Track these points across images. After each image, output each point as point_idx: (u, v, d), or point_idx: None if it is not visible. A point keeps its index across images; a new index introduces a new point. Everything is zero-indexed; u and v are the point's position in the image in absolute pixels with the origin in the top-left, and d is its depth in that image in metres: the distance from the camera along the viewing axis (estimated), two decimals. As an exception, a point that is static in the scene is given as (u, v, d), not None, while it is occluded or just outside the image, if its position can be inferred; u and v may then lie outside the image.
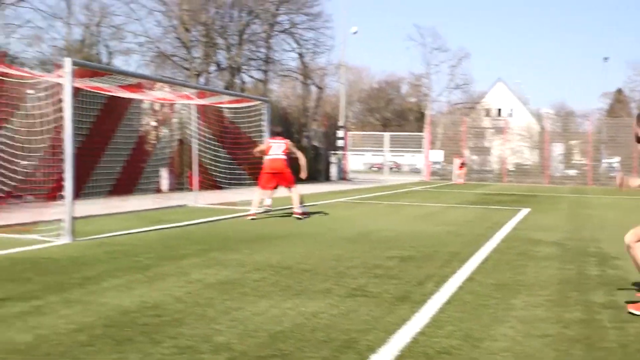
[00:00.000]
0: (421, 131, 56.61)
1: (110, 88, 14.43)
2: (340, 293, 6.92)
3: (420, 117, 77.05)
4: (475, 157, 48.85)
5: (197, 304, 6.27)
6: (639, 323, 5.97)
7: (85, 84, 13.46)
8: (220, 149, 20.37)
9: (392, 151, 52.29)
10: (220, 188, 20.63)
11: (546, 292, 7.22)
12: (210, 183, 20.56)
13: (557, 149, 46.38)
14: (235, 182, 19.77)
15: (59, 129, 12.49)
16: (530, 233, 13.02)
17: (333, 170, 42.59)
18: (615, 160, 43.71)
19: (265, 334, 5.34)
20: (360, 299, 6.68)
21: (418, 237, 11.99)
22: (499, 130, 50.23)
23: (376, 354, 4.89)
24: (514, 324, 5.85)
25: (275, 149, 15.17)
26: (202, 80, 34.61)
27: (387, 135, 50.69)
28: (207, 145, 19.89)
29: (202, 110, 21.62)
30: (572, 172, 45.64)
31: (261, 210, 15.91)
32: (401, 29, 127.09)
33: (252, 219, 14.68)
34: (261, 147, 15.78)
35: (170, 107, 24.36)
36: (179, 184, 22.86)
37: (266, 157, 15.45)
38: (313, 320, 5.81)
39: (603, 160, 44.60)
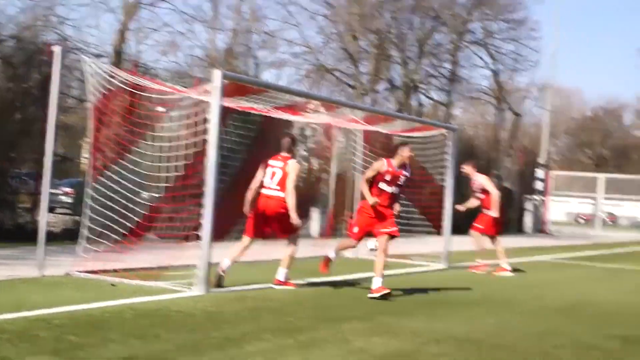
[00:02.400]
0: (648, 174, 54.68)
1: (262, 109, 14.82)
2: (546, 379, 6.73)
3: (648, 155, 74.52)
4: None
5: (363, 381, 6.26)
6: None
7: (237, 103, 13.88)
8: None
9: (607, 199, 50.78)
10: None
11: None
12: (375, 229, 20.61)
13: None
14: (408, 229, 19.70)
15: (198, 157, 12.94)
16: None
17: (528, 220, 41.89)
18: None
19: None
20: (573, 388, 6.47)
21: (647, 312, 11.52)
22: None
23: None
24: None
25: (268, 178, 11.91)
26: (368, 100, 35.07)
27: (601, 177, 49.43)
28: (373, 182, 19.99)
29: (368, 138, 21.83)
30: None
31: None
32: (629, 40, 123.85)
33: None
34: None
35: (327, 132, 24.76)
36: (335, 229, 23.09)
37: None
38: (512, 413, 5.66)
39: None
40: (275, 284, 11.86)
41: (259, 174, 11.83)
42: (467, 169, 16.75)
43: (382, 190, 11.95)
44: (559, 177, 53.19)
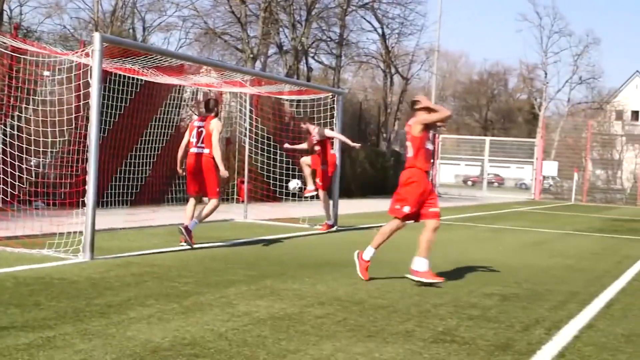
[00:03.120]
0: (532, 137, 56.06)
1: (145, 72, 14.65)
2: (424, 337, 6.89)
3: (532, 118, 76.46)
4: (600, 172, 48.08)
5: (245, 343, 6.31)
6: None
7: (117, 65, 13.68)
8: (278, 151, 20.50)
9: (493, 161, 51.87)
10: (276, 200, 20.76)
11: (692, 348, 7.05)
12: (264, 193, 20.69)
13: None
14: (296, 192, 19.83)
15: (80, 121, 12.73)
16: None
17: (418, 183, 42.41)
18: None
19: (329, 385, 5.34)
20: (449, 345, 6.64)
21: (525, 270, 11.85)
22: (634, 138, 49.32)
23: (469, 417, 4.85)
24: (648, 386, 5.74)
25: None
26: (258, 64, 34.92)
27: (487, 140, 50.38)
28: (262, 146, 20.02)
29: (257, 102, 21.82)
30: None
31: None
32: (512, 6, 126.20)
33: None
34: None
35: (217, 97, 24.65)
36: (225, 193, 23.08)
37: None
38: (389, 370, 5.78)
39: None
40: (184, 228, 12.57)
41: (186, 135, 13.06)
42: (307, 125, 16.94)
43: (428, 151, 9.91)
44: (447, 140, 54.04)
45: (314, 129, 16.77)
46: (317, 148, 16.79)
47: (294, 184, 17.17)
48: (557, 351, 6.63)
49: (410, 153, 9.97)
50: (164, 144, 20.14)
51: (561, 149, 50.26)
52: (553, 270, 12.05)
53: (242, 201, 18.90)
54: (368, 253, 10.05)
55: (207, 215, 12.94)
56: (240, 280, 9.46)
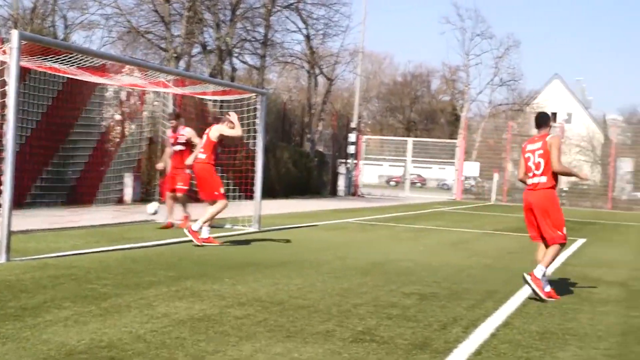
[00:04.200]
0: (454, 138, 56.74)
1: (67, 70, 14.43)
2: (343, 336, 6.90)
3: (454, 120, 77.28)
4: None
5: (164, 345, 6.25)
6: None
7: (37, 63, 13.45)
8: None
9: (415, 162, 52.35)
10: (198, 201, 20.62)
11: (604, 345, 7.19)
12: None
13: (625, 165, 46.31)
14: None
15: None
16: (585, 270, 12.98)
17: (341, 183, 42.65)
18: None
19: (247, 386, 5.31)
20: (368, 344, 6.67)
21: (444, 270, 11.96)
22: (553, 140, 50.11)
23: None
24: (561, 383, 5.83)
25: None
26: (182, 64, 34.68)
27: (410, 141, 50.83)
28: (185, 147, 19.84)
29: (180, 101, 21.70)
30: (643, 195, 45.71)
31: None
32: (435, 8, 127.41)
33: None
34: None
35: (140, 96, 24.43)
36: (147, 194, 22.88)
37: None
38: (308, 371, 5.78)
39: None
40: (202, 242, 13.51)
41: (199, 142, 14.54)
42: (175, 122, 16.65)
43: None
44: (370, 141, 54.43)
45: (183, 128, 16.41)
46: (180, 148, 16.32)
47: (153, 207, 16.88)
48: (474, 349, 6.71)
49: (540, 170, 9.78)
50: (93, 144, 19.89)
51: (482, 149, 51.01)
52: (472, 270, 12.19)
53: (164, 202, 18.71)
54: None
55: (212, 216, 13.90)
56: (160, 282, 9.37)
